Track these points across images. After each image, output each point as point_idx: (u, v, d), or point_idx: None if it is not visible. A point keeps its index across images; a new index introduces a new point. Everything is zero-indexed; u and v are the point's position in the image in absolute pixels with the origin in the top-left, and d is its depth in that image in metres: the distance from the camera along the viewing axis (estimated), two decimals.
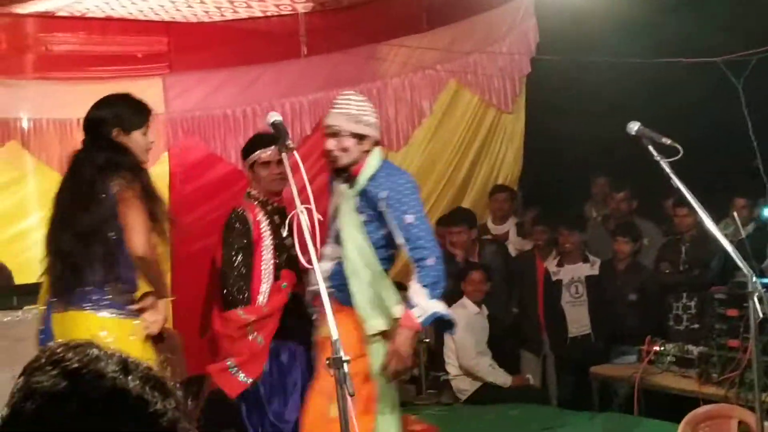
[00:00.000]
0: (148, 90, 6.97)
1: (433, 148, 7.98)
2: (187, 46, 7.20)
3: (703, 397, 5.43)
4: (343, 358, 2.77)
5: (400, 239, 4.10)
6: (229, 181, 7.31)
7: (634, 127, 4.16)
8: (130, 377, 1.32)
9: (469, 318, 6.86)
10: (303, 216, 3.10)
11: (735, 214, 6.96)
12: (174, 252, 7.26)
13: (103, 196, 3.92)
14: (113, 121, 4.06)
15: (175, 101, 7.06)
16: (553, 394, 7.24)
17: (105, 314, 3.94)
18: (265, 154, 5.13)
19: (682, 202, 5.94)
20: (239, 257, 5.09)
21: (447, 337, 6.86)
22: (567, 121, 7.40)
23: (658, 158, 3.93)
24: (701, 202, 3.87)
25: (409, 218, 4.07)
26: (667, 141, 3.99)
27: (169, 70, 7.09)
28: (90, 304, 3.92)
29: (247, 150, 5.34)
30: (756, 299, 3.56)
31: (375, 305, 4.13)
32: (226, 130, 7.21)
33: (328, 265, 4.21)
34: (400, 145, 7.88)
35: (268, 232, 5.13)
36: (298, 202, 3.13)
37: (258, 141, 5.29)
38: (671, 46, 6.32)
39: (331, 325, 2.86)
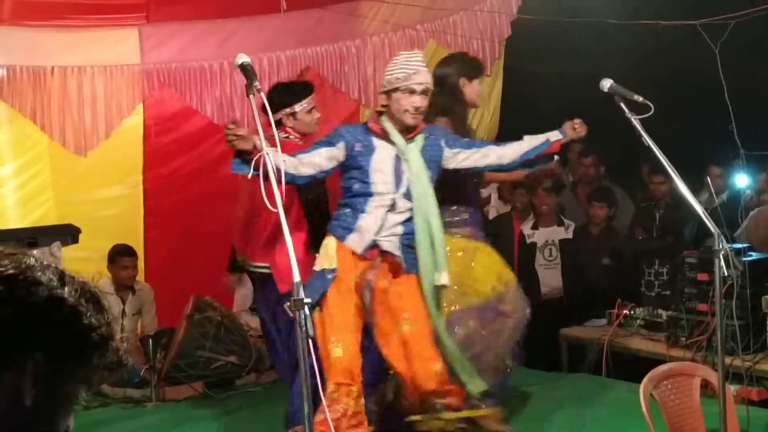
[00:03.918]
0: (124, 40, 6.94)
1: None
2: None
3: (671, 360, 5.47)
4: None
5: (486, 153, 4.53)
6: (205, 134, 7.28)
7: (606, 84, 4.15)
8: (66, 288, 1.31)
9: None
10: (269, 158, 3.07)
11: (709, 181, 7.00)
12: (147, 205, 7.26)
13: None
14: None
15: (151, 52, 6.99)
16: (523, 354, 7.26)
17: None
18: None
19: (658, 169, 5.97)
20: None
21: None
22: (545, 84, 7.39)
23: (629, 115, 3.92)
24: (677, 169, 3.86)
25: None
26: (639, 98, 3.97)
27: (146, 21, 7.01)
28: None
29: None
30: (721, 257, 3.56)
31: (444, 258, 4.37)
32: (202, 83, 7.14)
33: (399, 218, 4.35)
34: (377, 103, 7.82)
35: None
36: (265, 143, 3.10)
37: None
38: (651, 9, 6.30)
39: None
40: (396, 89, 4.25)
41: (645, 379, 3.95)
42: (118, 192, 7.12)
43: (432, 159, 4.37)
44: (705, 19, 5.75)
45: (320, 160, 4.31)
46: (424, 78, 4.29)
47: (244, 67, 3.35)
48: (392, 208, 4.31)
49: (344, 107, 7.91)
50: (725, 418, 3.61)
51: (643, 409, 3.83)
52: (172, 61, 7.05)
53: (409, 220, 4.33)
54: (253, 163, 3.62)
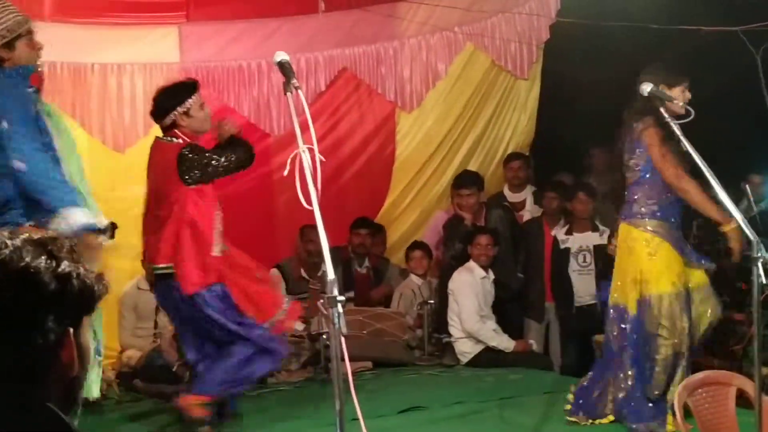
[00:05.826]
0: (163, 38, 7.00)
1: (445, 110, 7.93)
2: None
3: (706, 368, 5.40)
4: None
5: None
6: (243, 133, 7.30)
7: (646, 88, 4.13)
8: (64, 262, 1.41)
9: (474, 281, 6.85)
10: (305, 155, 3.07)
11: (748, 188, 6.92)
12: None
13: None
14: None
15: (190, 51, 7.05)
16: (556, 361, 7.22)
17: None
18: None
19: (696, 175, 5.91)
20: None
21: (451, 300, 6.86)
22: (583, 88, 7.32)
23: (669, 120, 3.89)
24: (715, 176, 3.80)
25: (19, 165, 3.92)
26: (679, 103, 3.95)
27: (186, 20, 7.07)
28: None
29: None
30: (759, 266, 3.51)
31: None
32: (240, 82, 7.20)
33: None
34: (413, 106, 7.85)
35: None
36: (300, 141, 3.10)
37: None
38: (691, 14, 6.24)
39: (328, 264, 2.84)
40: (19, 36, 3.97)
41: (680, 387, 3.90)
42: None
43: None
44: (746, 25, 5.70)
45: None
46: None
47: (282, 65, 3.35)
48: None
49: (380, 109, 7.92)
50: (761, 429, 3.56)
51: (678, 417, 3.78)
52: (211, 60, 7.12)
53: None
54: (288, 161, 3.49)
